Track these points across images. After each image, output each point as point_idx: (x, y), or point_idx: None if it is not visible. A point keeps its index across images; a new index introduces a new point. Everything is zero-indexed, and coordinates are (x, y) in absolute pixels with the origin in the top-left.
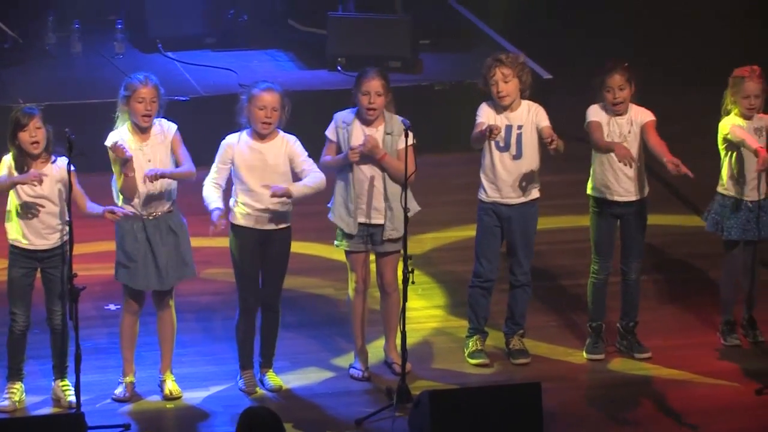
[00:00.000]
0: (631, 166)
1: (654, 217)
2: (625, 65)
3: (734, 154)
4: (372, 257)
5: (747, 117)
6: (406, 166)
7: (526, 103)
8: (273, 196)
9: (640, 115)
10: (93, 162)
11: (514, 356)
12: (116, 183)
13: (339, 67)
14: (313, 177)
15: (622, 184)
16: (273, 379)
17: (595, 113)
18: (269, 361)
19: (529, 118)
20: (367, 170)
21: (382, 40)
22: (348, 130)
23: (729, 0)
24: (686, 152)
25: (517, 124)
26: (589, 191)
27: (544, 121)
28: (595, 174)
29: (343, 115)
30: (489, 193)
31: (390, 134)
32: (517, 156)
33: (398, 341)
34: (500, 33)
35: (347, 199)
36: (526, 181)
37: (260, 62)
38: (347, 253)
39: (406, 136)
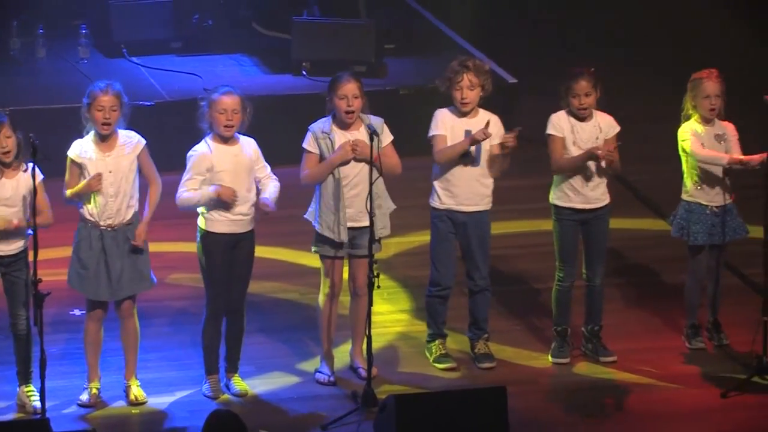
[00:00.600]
0: (606, 166)
1: (619, 221)
2: (591, 71)
3: (695, 161)
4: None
5: (707, 121)
6: (371, 169)
7: (483, 113)
8: (263, 207)
9: (608, 125)
10: (59, 167)
11: (480, 360)
12: (67, 187)
13: (304, 72)
14: (275, 187)
15: (584, 192)
16: (239, 383)
17: (556, 124)
18: (235, 366)
19: (492, 129)
20: (351, 174)
21: (347, 44)
22: (331, 138)
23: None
24: (650, 154)
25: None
26: (551, 200)
27: (497, 139)
28: (557, 182)
29: (321, 126)
30: (443, 200)
31: (376, 141)
32: (476, 163)
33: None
34: (464, 37)
35: (335, 208)
36: (483, 188)
37: (225, 67)
38: (324, 258)
39: (371, 139)
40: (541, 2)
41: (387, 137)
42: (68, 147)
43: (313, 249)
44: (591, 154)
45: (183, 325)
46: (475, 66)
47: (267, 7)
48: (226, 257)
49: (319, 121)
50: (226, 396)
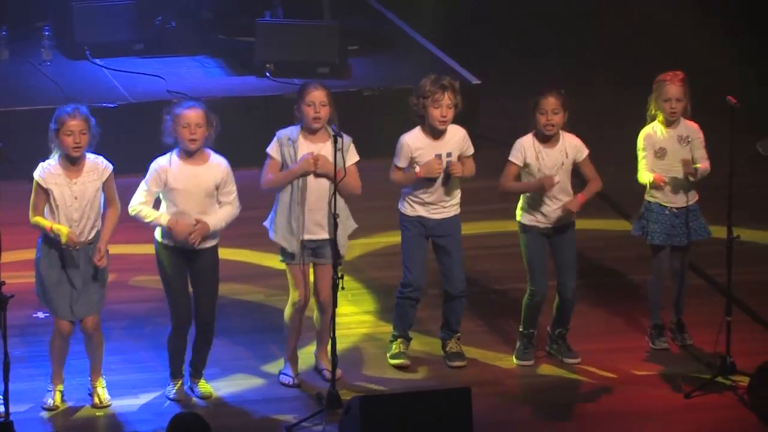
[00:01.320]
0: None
1: (583, 222)
2: (560, 91)
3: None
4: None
5: (670, 122)
6: (335, 173)
7: (450, 127)
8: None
9: (575, 149)
10: (22, 169)
11: (451, 359)
12: (34, 209)
13: (267, 74)
14: (230, 212)
15: (550, 212)
16: (203, 387)
17: (518, 151)
18: (199, 373)
19: (456, 144)
20: (313, 186)
21: (311, 46)
22: (294, 146)
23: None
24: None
25: (446, 151)
26: (518, 217)
27: (470, 151)
28: (523, 200)
29: (288, 132)
30: (415, 207)
31: (340, 150)
32: (446, 182)
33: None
34: (428, 38)
35: (291, 218)
36: (452, 200)
37: (188, 68)
38: (290, 266)
39: (335, 141)
40: (503, 3)
41: (352, 157)
42: (32, 147)
43: (280, 259)
44: (540, 186)
45: (146, 328)
46: (451, 85)
47: (230, 9)
48: (181, 267)
49: (287, 128)
50: (191, 399)
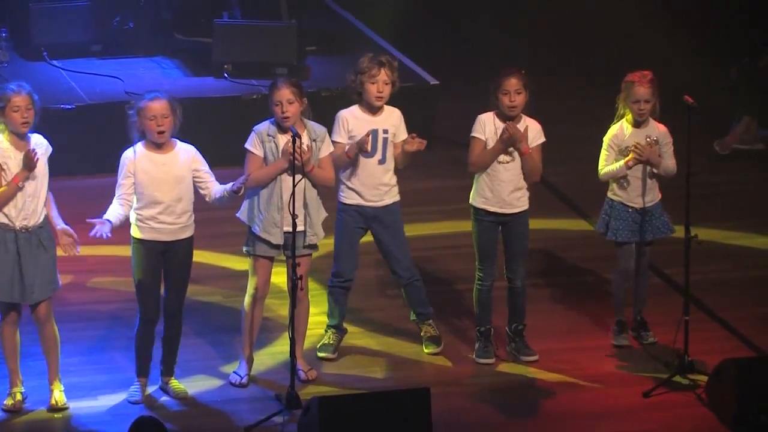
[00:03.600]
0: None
1: (541, 221)
2: (522, 71)
3: (622, 161)
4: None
5: (638, 123)
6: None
7: (386, 108)
8: (236, 190)
9: (534, 132)
10: None
11: (428, 345)
12: None
13: (225, 74)
14: (221, 187)
15: (504, 196)
16: (177, 386)
17: (480, 126)
18: (171, 369)
19: (392, 122)
20: (290, 179)
21: (269, 46)
22: (275, 140)
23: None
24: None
25: (382, 128)
26: (471, 200)
27: (404, 135)
28: (477, 184)
29: (265, 128)
30: (349, 196)
31: (315, 141)
32: (382, 161)
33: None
34: (386, 38)
35: (273, 210)
36: (389, 184)
37: (146, 69)
38: (255, 258)
39: (293, 141)
40: (461, 3)
41: (327, 148)
42: None
43: (244, 249)
44: (507, 138)
45: (105, 330)
46: (388, 62)
47: (187, 10)
48: (155, 263)
49: (263, 122)
50: (156, 402)
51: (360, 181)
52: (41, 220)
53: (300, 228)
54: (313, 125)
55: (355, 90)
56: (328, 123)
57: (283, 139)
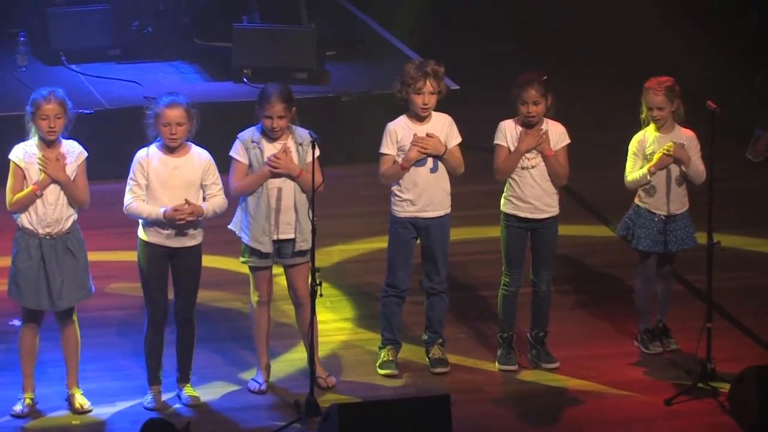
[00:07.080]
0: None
1: (564, 227)
2: (541, 79)
3: (645, 167)
4: (279, 270)
5: (660, 128)
6: (314, 177)
7: (434, 114)
8: (180, 209)
9: (557, 135)
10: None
11: (434, 365)
12: (11, 192)
13: (245, 79)
14: (219, 204)
15: (534, 201)
16: (190, 393)
17: (501, 133)
18: (186, 376)
19: (443, 131)
20: (277, 184)
21: (288, 51)
22: (261, 148)
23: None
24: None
25: None
26: (501, 207)
27: (456, 139)
28: (507, 191)
29: (250, 134)
30: (405, 207)
31: (301, 144)
32: (434, 169)
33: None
34: (406, 43)
35: (262, 218)
36: (442, 193)
37: (165, 74)
38: (253, 268)
39: (314, 148)
40: (482, 7)
41: (313, 152)
42: (8, 151)
43: (241, 260)
44: (529, 136)
45: (123, 336)
46: (434, 71)
47: (206, 14)
48: (162, 267)
49: (247, 129)
50: (171, 409)
51: (412, 191)
52: (68, 226)
53: (290, 235)
54: (298, 130)
55: (401, 99)
56: (348, 128)
57: (268, 146)
